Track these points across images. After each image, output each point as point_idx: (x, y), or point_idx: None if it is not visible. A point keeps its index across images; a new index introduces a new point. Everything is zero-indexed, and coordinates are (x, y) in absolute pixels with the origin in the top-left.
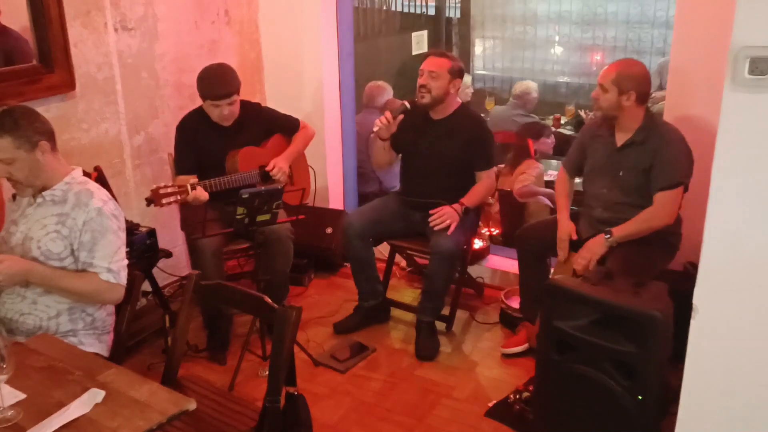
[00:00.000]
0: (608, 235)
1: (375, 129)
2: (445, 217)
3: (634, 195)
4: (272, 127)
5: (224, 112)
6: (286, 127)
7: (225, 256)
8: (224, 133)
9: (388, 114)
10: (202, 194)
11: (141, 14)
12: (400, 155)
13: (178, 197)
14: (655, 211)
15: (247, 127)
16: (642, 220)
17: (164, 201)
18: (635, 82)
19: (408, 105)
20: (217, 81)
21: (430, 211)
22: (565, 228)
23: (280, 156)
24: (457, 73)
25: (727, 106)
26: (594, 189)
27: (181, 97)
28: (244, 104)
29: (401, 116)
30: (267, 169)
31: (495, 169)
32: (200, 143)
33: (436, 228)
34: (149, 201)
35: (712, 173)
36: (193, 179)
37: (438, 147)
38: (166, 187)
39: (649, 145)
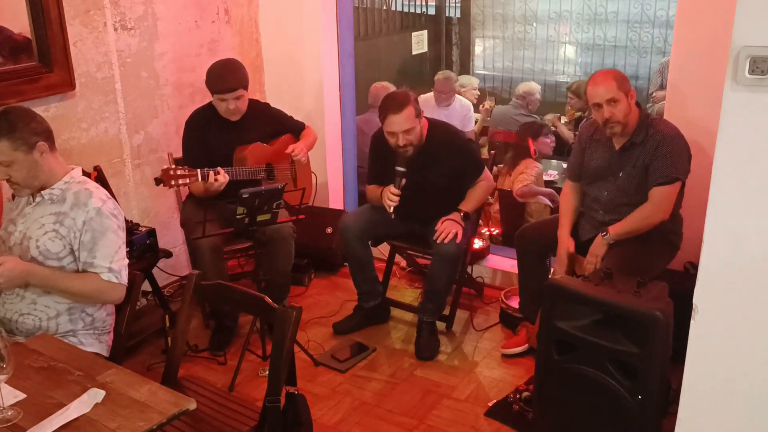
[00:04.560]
0: (605, 234)
1: (389, 210)
2: (448, 228)
3: (635, 195)
4: (279, 126)
5: (230, 107)
6: (293, 128)
7: (225, 256)
8: (232, 129)
9: (393, 189)
10: (222, 177)
11: (140, 13)
12: None
13: (188, 180)
14: (650, 207)
15: (255, 124)
16: (638, 218)
17: (173, 182)
18: (627, 80)
19: (404, 169)
20: (224, 75)
21: (434, 237)
22: (564, 245)
23: (298, 142)
24: (418, 109)
25: (727, 106)
26: (595, 192)
27: (181, 97)
28: (254, 103)
29: (404, 181)
30: (287, 151)
31: (487, 170)
32: (208, 138)
33: (445, 241)
34: (158, 181)
35: (712, 173)
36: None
37: (423, 178)
38: (177, 168)
39: (648, 144)
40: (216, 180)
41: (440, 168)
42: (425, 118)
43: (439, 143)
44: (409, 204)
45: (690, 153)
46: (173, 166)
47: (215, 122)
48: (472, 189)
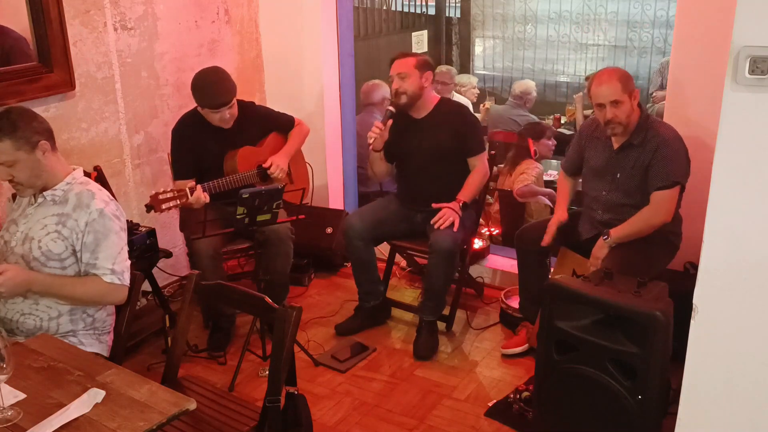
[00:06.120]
0: (606, 237)
1: (370, 141)
2: (447, 215)
3: (634, 196)
4: (268, 125)
5: (225, 116)
6: (282, 124)
7: (225, 256)
8: (222, 135)
9: (378, 123)
10: (203, 196)
11: (141, 13)
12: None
13: (178, 201)
14: (652, 210)
15: (244, 126)
16: (639, 220)
17: (164, 206)
18: (632, 80)
19: (393, 109)
20: (215, 90)
21: (432, 221)
22: (558, 215)
23: (277, 153)
24: (424, 67)
25: (727, 106)
26: (594, 191)
27: (181, 97)
28: (240, 104)
29: (390, 121)
30: (265, 166)
31: (485, 156)
32: (198, 146)
33: (441, 227)
34: (149, 207)
35: (712, 173)
36: (191, 183)
37: (427, 143)
38: (165, 192)
39: (647, 145)
40: (197, 199)
41: (443, 131)
42: (438, 96)
43: (446, 112)
44: (413, 177)
45: (689, 157)
46: (161, 190)
47: (205, 130)
48: (469, 177)
